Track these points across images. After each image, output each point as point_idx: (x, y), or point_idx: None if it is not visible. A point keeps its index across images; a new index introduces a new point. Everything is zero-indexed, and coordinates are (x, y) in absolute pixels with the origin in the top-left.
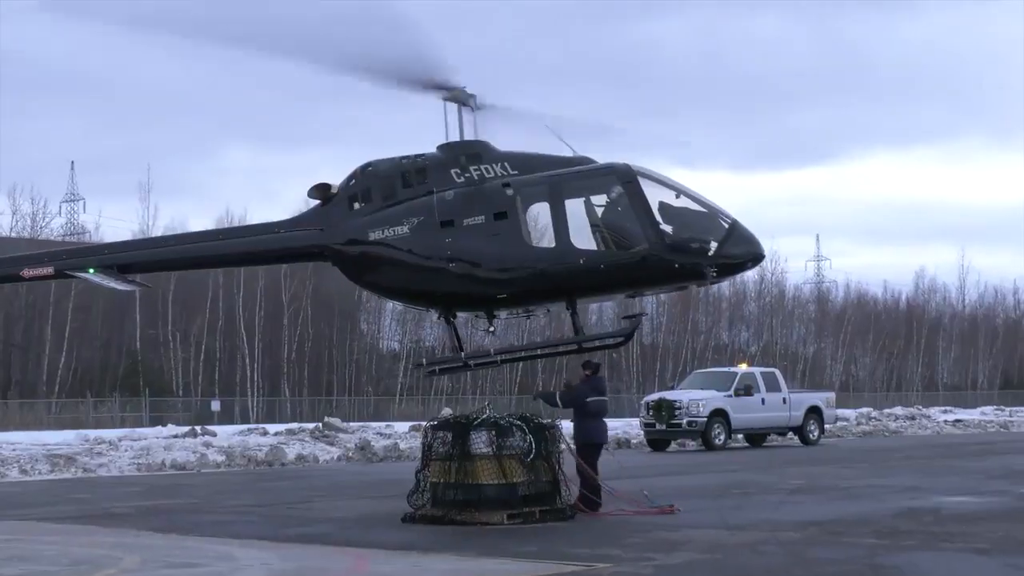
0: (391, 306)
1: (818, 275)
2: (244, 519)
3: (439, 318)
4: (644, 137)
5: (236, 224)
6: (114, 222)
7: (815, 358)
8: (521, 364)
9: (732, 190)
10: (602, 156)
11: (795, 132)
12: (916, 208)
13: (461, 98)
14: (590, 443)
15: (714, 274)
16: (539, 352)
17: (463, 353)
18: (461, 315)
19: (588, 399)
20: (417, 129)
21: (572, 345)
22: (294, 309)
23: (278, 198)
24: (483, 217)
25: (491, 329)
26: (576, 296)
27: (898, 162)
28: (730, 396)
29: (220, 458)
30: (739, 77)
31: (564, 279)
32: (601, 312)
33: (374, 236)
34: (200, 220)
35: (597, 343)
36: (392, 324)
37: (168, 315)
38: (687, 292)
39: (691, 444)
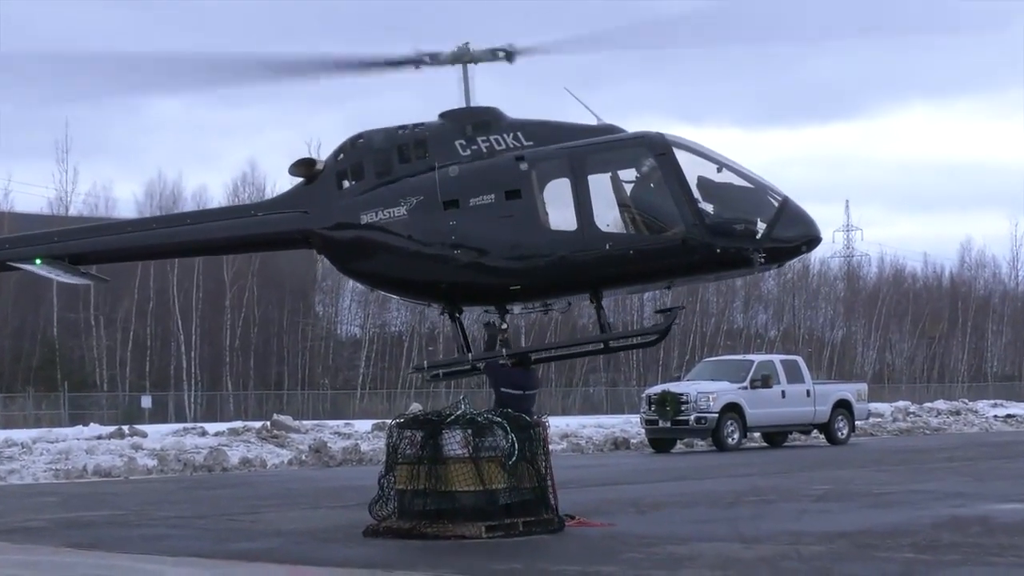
0: (351, 285)
1: (847, 248)
2: (180, 533)
3: (442, 314)
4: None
5: (170, 191)
6: (26, 188)
7: (844, 344)
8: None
9: (743, 150)
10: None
11: (816, 82)
12: (960, 170)
13: (468, 56)
14: None
15: (762, 260)
16: (559, 353)
17: (470, 355)
18: (467, 309)
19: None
20: (380, 85)
21: (597, 344)
22: (238, 289)
23: (217, 161)
24: (493, 196)
25: (503, 326)
26: (602, 287)
27: (938, 116)
28: (745, 388)
29: (151, 463)
30: (750, 16)
31: (587, 268)
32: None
33: (367, 219)
34: (127, 184)
35: (626, 342)
36: (352, 306)
37: (90, 296)
38: None
39: (700, 444)
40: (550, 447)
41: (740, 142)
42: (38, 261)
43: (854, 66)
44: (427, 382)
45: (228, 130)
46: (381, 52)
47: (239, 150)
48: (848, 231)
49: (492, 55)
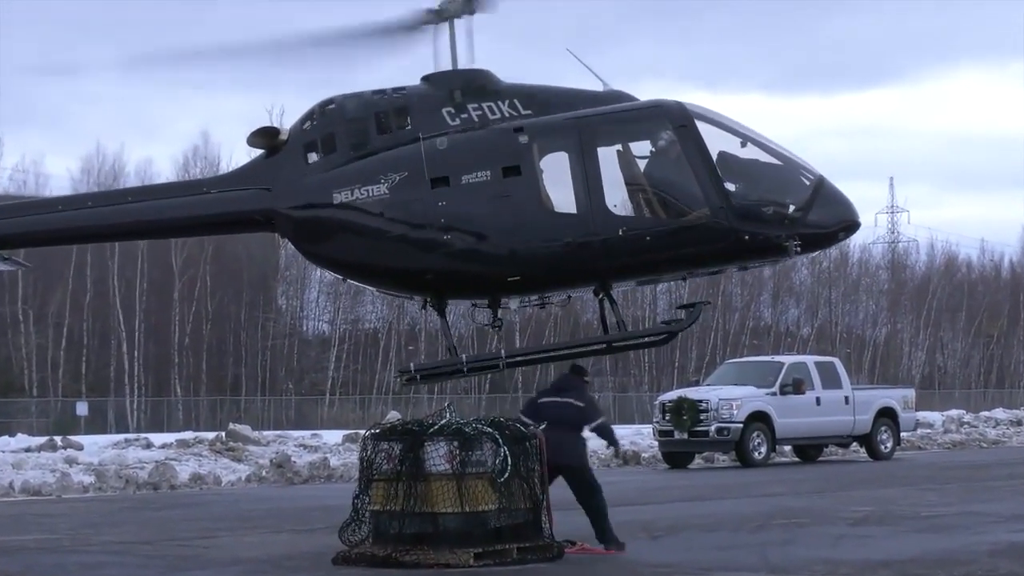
0: (319, 275)
1: (892, 232)
2: (121, 561)
3: (424, 307)
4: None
5: (110, 166)
6: None
7: (888, 344)
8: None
9: (767, 120)
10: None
11: (852, 41)
12: (1020, 143)
13: (449, 10)
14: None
15: (796, 248)
16: (560, 353)
17: (464, 357)
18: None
19: (541, 400)
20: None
21: (600, 345)
22: (188, 279)
23: (163, 131)
24: (487, 172)
25: (496, 323)
26: (611, 278)
27: (993, 81)
28: (774, 395)
29: (88, 479)
30: None
31: (595, 255)
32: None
33: (340, 198)
34: (60, 158)
35: (635, 341)
36: (320, 299)
37: (17, 287)
38: None
39: (722, 459)
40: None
41: (764, 110)
42: None
43: (895, 23)
44: (405, 387)
45: (176, 96)
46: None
47: (189, 119)
48: (892, 213)
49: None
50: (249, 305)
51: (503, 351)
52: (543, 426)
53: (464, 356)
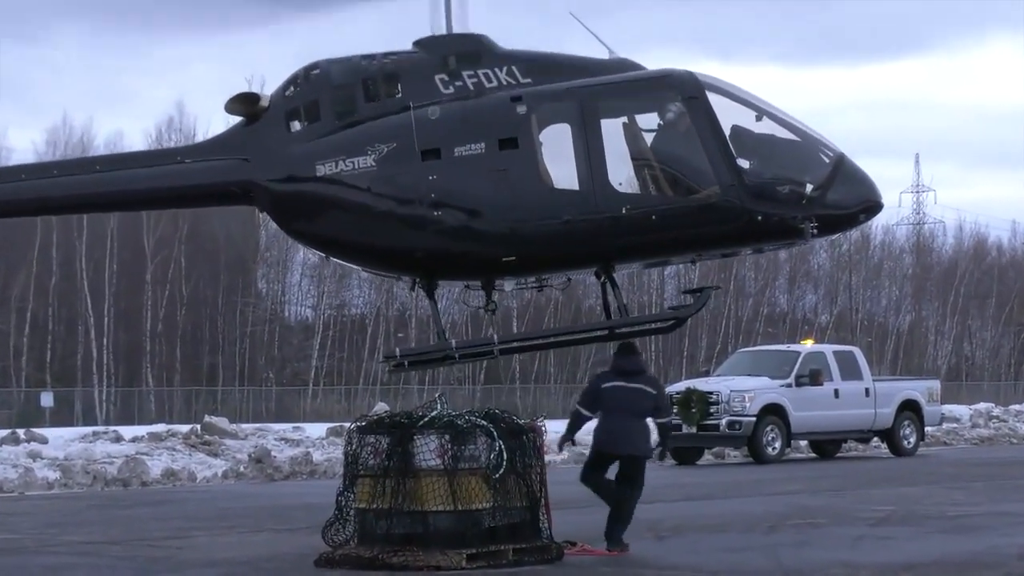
0: (302, 256)
1: (917, 213)
2: (89, 563)
3: (414, 289)
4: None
5: (78, 139)
6: None
7: (913, 332)
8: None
9: (784, 91)
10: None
11: (875, 10)
12: None
13: None
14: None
15: (813, 230)
16: (558, 340)
17: (454, 342)
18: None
19: (605, 385)
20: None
21: (601, 331)
22: (161, 260)
23: (135, 102)
24: (482, 145)
25: (490, 307)
26: (614, 259)
27: None
28: (789, 386)
29: (53, 475)
30: None
31: (598, 235)
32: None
33: (324, 170)
34: (24, 131)
35: (640, 328)
36: (304, 282)
37: None
38: None
39: (733, 455)
40: (546, 457)
41: (780, 83)
42: None
43: None
44: (392, 373)
45: (148, 64)
46: None
47: (162, 88)
48: (918, 193)
49: None
50: (227, 289)
51: (496, 336)
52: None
53: (454, 341)
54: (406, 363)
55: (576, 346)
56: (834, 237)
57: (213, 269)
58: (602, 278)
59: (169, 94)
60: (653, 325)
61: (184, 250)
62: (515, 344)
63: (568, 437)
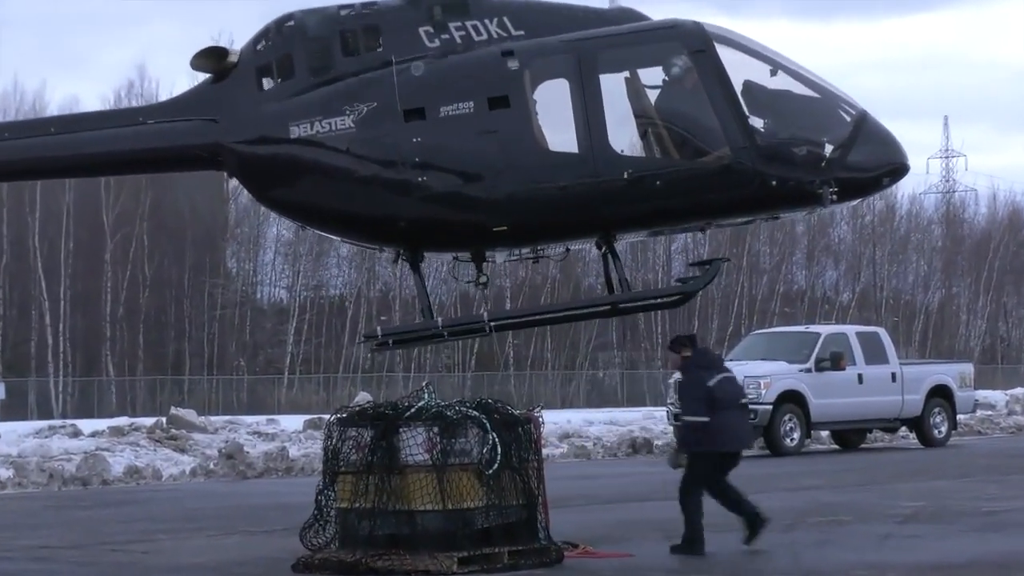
0: (276, 231)
1: (946, 181)
2: (46, 569)
3: (397, 261)
4: None
5: (30, 105)
6: None
7: (943, 311)
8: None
9: (797, 48)
10: None
11: None
12: None
13: None
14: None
15: (833, 195)
16: (557, 316)
17: (439, 319)
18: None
19: (711, 382)
20: None
21: (603, 307)
22: (121, 237)
23: (91, 64)
24: (471, 104)
25: (481, 281)
26: (616, 228)
27: None
28: (808, 371)
29: (6, 472)
30: None
31: (597, 202)
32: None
33: (298, 131)
34: None
35: (644, 303)
36: (278, 261)
37: None
38: None
39: None
40: (544, 451)
41: (793, 39)
42: None
43: None
44: (375, 352)
45: (103, 21)
46: None
47: (121, 49)
48: (947, 158)
49: None
50: (193, 269)
51: (487, 313)
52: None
53: (440, 319)
54: (389, 342)
55: (576, 323)
56: (856, 203)
57: (178, 247)
58: (603, 249)
59: (128, 56)
60: (658, 300)
61: (146, 227)
62: (509, 320)
63: (684, 452)
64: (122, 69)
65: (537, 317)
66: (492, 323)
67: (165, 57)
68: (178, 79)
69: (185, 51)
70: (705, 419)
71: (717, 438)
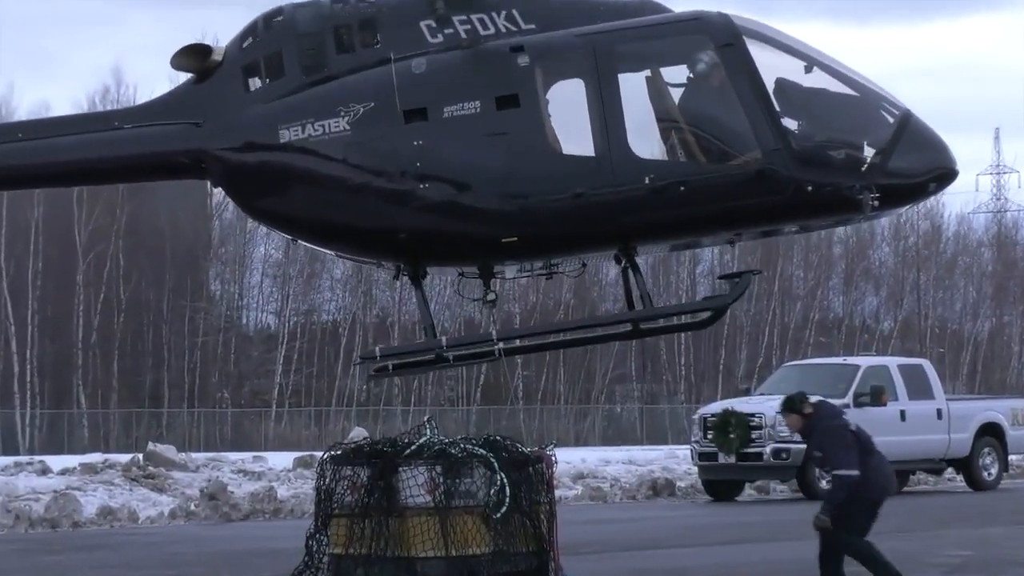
0: (264, 250)
1: (997, 199)
2: None
3: (398, 277)
4: None
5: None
6: None
7: (993, 341)
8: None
9: (835, 53)
10: None
11: None
12: None
13: None
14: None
15: (874, 202)
16: (574, 337)
17: (443, 339)
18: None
19: (854, 428)
20: None
21: (624, 326)
22: (96, 257)
23: (64, 68)
24: (477, 104)
25: (489, 298)
26: (636, 239)
27: None
28: (847, 407)
29: None
30: None
31: (616, 210)
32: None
33: (288, 135)
34: None
35: (669, 321)
36: (265, 283)
37: None
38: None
39: (780, 489)
40: (557, 493)
41: (830, 43)
42: None
43: None
44: (375, 393)
45: (77, 20)
46: None
47: (95, 52)
48: (998, 175)
49: None
50: (174, 291)
51: (496, 333)
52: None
53: (445, 338)
54: (389, 367)
55: (591, 352)
56: (899, 212)
57: (157, 267)
58: (622, 263)
59: (104, 59)
60: (684, 318)
61: (123, 245)
62: (520, 342)
63: (835, 512)
64: (97, 72)
65: (551, 339)
66: (502, 345)
67: (143, 60)
68: (157, 84)
69: (165, 54)
70: (856, 472)
71: (877, 483)
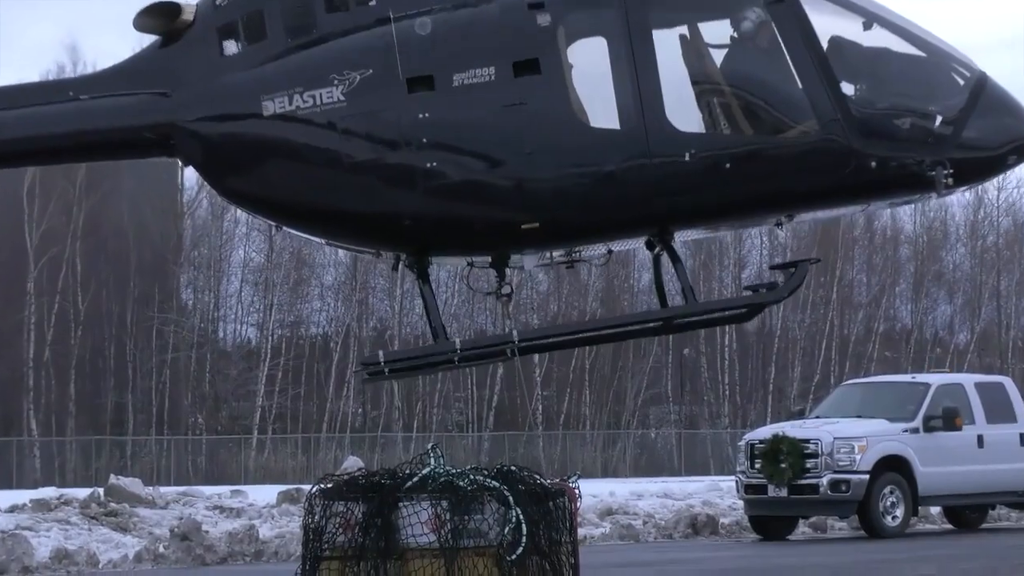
0: (244, 252)
1: None
2: None
3: (398, 268)
4: None
5: None
6: None
7: None
8: (512, 360)
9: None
10: None
11: None
12: None
13: None
14: None
15: (947, 178)
16: (599, 334)
17: (457, 341)
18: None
19: None
20: None
21: (655, 322)
22: (49, 261)
23: (14, 44)
24: (491, 69)
25: (504, 290)
26: (673, 222)
27: None
28: (915, 431)
29: None
30: None
31: (651, 190)
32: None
33: (273, 107)
34: None
35: (708, 316)
36: (245, 290)
37: None
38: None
39: (839, 526)
40: (581, 531)
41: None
42: None
43: None
44: (371, 417)
45: None
46: None
47: (48, 27)
48: None
49: None
50: (139, 301)
51: (515, 331)
52: None
53: (459, 341)
54: (387, 371)
55: (621, 373)
56: (976, 187)
57: (120, 274)
58: (656, 249)
59: (57, 34)
60: (726, 312)
61: (80, 247)
62: (538, 342)
63: None
64: (50, 50)
65: (573, 337)
66: (518, 343)
67: (102, 36)
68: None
69: (127, 30)
70: None
71: None
